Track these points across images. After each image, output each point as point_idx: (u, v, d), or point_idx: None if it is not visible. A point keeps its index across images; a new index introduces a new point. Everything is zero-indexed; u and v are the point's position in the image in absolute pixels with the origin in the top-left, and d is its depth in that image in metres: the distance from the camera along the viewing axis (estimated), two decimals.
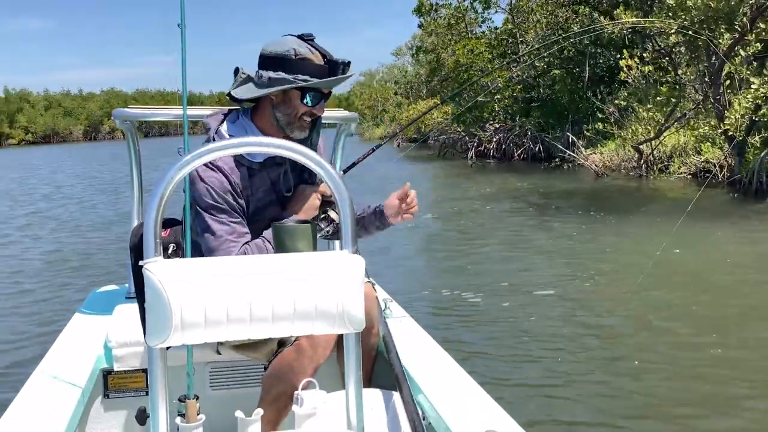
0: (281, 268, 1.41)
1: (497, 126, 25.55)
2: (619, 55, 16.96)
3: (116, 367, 2.45)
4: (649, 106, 14.10)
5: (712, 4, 11.10)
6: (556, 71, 23.68)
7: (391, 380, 2.10)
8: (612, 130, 17.62)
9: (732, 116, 12.98)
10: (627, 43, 18.15)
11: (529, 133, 23.90)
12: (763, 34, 11.62)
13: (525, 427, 1.82)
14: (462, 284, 7.04)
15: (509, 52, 25.68)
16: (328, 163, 1.56)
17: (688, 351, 4.96)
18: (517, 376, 4.64)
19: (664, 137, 15.94)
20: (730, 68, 12.93)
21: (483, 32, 25.42)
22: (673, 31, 11.78)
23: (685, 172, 15.66)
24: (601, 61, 22.14)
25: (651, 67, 15.39)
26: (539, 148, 23.24)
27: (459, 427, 1.82)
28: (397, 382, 1.95)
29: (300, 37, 2.21)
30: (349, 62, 2.22)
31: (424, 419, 1.99)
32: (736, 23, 11.56)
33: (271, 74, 2.18)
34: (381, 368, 2.43)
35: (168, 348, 1.42)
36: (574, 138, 20.56)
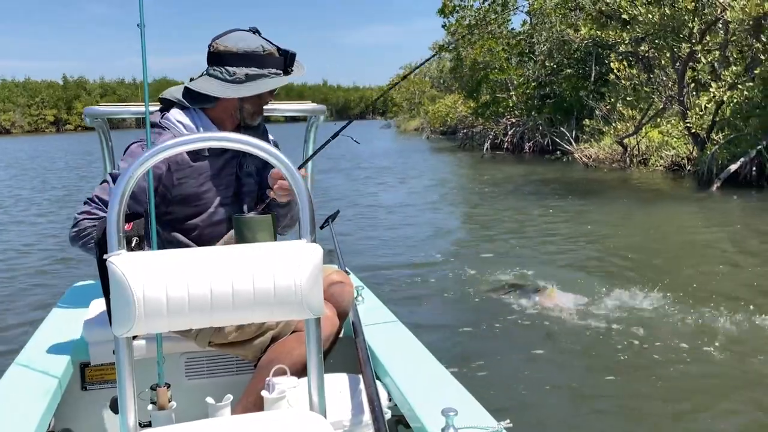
0: (241, 257, 1.47)
1: (513, 120, 27.43)
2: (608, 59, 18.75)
3: (93, 360, 2.45)
4: (619, 105, 15.95)
5: (656, 20, 12.93)
6: (568, 70, 25.48)
7: (359, 364, 2.17)
8: (599, 126, 19.44)
9: (693, 116, 14.83)
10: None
11: (540, 128, 25.73)
12: (709, 45, 13.40)
13: (487, 405, 1.89)
14: (435, 250, 9.15)
15: (526, 51, 27.49)
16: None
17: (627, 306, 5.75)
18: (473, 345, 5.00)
19: (644, 134, 17.75)
20: (691, 74, 14.73)
21: (501, 33, 27.19)
22: (626, 41, 13.66)
23: (661, 165, 17.45)
24: (606, 62, 23.83)
25: (635, 70, 17.22)
26: (547, 141, 25.05)
27: (421, 406, 1.88)
28: (361, 365, 2.00)
29: (252, 31, 2.33)
30: (294, 52, 2.34)
31: (389, 400, 2.10)
32: (683, 35, 13.36)
33: (247, 71, 2.26)
34: (351, 351, 2.44)
35: (135, 338, 1.47)
36: (576, 133, 22.41)
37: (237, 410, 2.17)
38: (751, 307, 5.49)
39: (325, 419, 1.63)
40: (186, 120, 2.30)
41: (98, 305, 2.58)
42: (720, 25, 12.89)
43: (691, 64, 14.90)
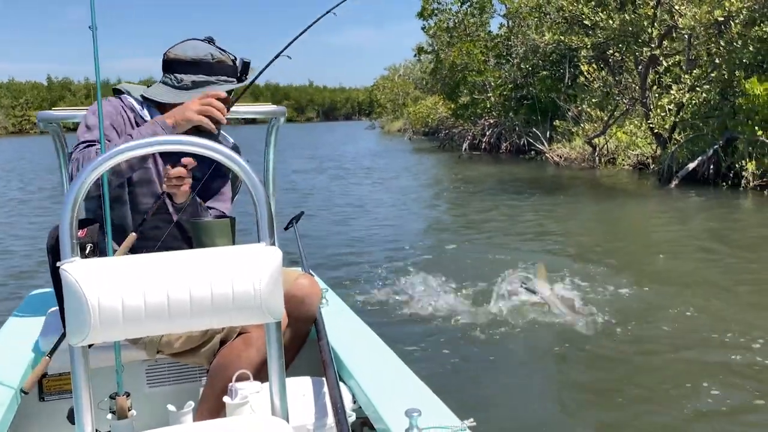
0: (198, 262, 1.46)
1: (491, 121, 28.08)
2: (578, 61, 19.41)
3: (50, 371, 2.40)
4: (585, 106, 16.64)
5: (616, 25, 13.60)
6: (544, 72, 26.13)
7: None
8: (569, 127, 20.13)
9: (655, 117, 15.51)
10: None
11: (516, 128, 26.38)
12: (668, 49, 14.07)
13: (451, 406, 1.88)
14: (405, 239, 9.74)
15: (504, 54, 28.13)
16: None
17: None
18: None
19: (612, 134, 18.43)
20: (654, 76, 15.41)
21: (479, 35, 27.82)
22: (588, 46, 14.32)
23: (628, 165, 18.13)
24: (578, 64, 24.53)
25: (603, 72, 17.91)
26: (523, 141, 25.71)
27: (385, 407, 1.88)
28: (324, 368, 1.98)
29: (206, 40, 2.36)
30: (249, 61, 2.39)
31: (354, 402, 2.08)
32: (642, 40, 14.03)
33: (193, 78, 2.30)
34: (316, 354, 2.43)
35: (90, 346, 1.45)
36: (550, 133, 23.07)
37: (196, 417, 2.19)
38: (693, 293, 6.09)
39: (287, 424, 1.62)
40: (143, 109, 2.35)
41: (55, 314, 2.53)
42: (683, 31, 13.55)
43: (656, 67, 15.58)
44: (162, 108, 2.34)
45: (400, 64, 64.86)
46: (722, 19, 12.17)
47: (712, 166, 14.52)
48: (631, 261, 7.73)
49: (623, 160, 18.28)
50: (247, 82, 2.38)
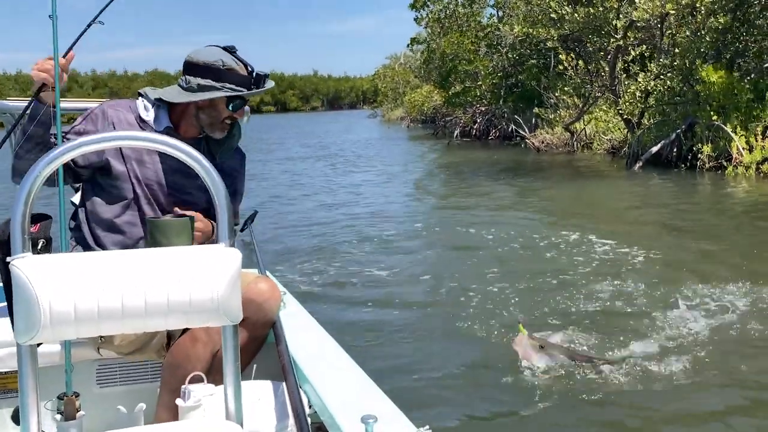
0: (154, 262, 1.43)
1: (482, 109, 29.01)
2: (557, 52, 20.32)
3: None
4: (557, 93, 17.59)
5: (580, 18, 14.54)
6: (532, 61, 27.00)
7: (280, 371, 2.13)
8: (547, 115, 21.09)
9: (623, 104, 16.46)
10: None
11: (505, 116, 27.31)
12: (631, 40, 15.02)
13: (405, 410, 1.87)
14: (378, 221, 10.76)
15: (494, 43, 28.99)
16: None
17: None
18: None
19: (589, 120, 19.37)
20: (621, 65, 16.34)
21: (470, 25, 28.68)
22: (556, 38, 15.28)
23: (603, 149, 19.09)
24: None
25: (582, 62, 18.83)
26: (511, 128, 26.65)
27: (341, 413, 1.85)
28: (284, 372, 1.96)
29: (225, 48, 2.37)
30: (267, 74, 2.39)
31: (309, 407, 2.03)
32: (605, 32, 14.98)
33: (200, 81, 2.32)
34: (272, 359, 2.41)
35: (39, 345, 1.41)
36: (536, 120, 23.97)
37: (155, 417, 2.20)
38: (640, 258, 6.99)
39: (241, 428, 1.60)
40: (150, 108, 2.41)
41: (1, 310, 2.49)
42: (639, 22, 14.49)
43: (624, 56, 16.51)
44: (173, 109, 2.42)
45: (401, 52, 65.57)
46: (674, 12, 13.07)
47: (675, 150, 15.45)
48: (586, 230, 8.52)
49: (599, 145, 19.22)
50: (248, 92, 2.37)
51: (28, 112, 2.16)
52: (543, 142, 21.50)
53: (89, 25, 2.34)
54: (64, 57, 2.16)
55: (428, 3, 28.86)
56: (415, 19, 29.57)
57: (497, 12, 29.20)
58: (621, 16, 14.88)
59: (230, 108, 2.38)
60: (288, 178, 16.53)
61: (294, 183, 15.55)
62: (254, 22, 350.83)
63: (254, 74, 2.38)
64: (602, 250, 7.39)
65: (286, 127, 51.41)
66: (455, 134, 29.28)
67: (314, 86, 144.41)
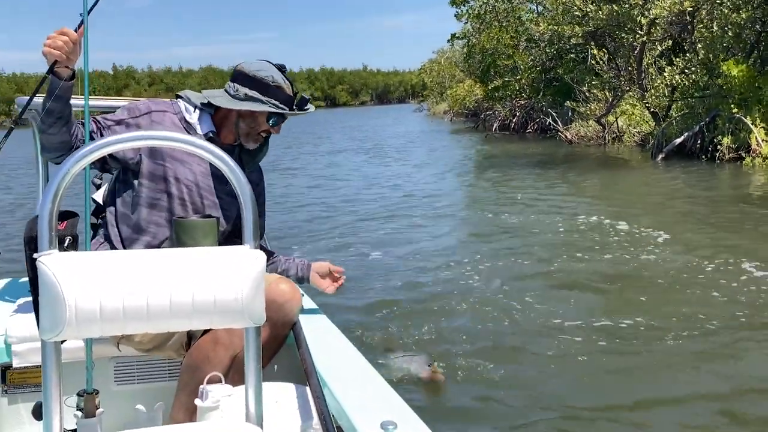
0: (180, 262, 1.44)
1: (522, 103, 29.60)
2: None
3: (15, 363, 2.39)
4: (585, 88, 18.19)
5: (604, 16, 15.15)
6: (571, 55, 27.48)
7: (297, 373, 2.14)
8: (578, 108, 21.68)
9: (650, 97, 17.01)
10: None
11: (543, 109, 27.86)
12: (655, 35, 15.58)
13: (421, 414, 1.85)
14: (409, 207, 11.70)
15: (533, 37, 29.52)
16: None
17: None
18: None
19: (621, 113, 19.92)
20: (647, 60, 16.89)
21: (509, 21, 29.28)
22: (580, 35, 15.91)
23: (633, 141, 19.62)
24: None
25: (609, 56, 19.38)
26: (549, 122, 27.20)
27: (359, 418, 1.84)
28: (306, 374, 1.96)
29: (276, 66, 2.49)
30: (309, 98, 2.54)
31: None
32: (628, 28, 15.55)
33: (247, 91, 2.42)
34: (288, 361, 2.44)
35: (63, 342, 1.43)
36: (569, 114, 24.52)
37: (171, 416, 2.22)
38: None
39: (261, 431, 1.61)
40: (193, 111, 2.48)
41: (22, 305, 2.53)
42: (658, 20, 15.06)
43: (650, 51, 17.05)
44: (218, 113, 2.49)
45: (448, 47, 65.99)
46: (691, 8, 13.61)
47: (699, 142, 15.95)
48: (601, 213, 9.36)
49: (630, 137, 19.75)
50: (289, 112, 2.47)
51: (46, 86, 2.19)
52: (576, 135, 22.08)
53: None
54: (76, 31, 2.13)
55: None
56: (455, 15, 30.29)
57: (536, 7, 29.74)
58: (645, 12, 15.43)
59: (270, 123, 2.47)
60: (326, 171, 17.59)
61: (331, 175, 16.59)
62: (306, 20, 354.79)
63: (298, 96, 2.51)
64: (616, 231, 8.07)
65: (332, 121, 52.74)
66: (494, 127, 29.97)
67: (363, 81, 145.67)
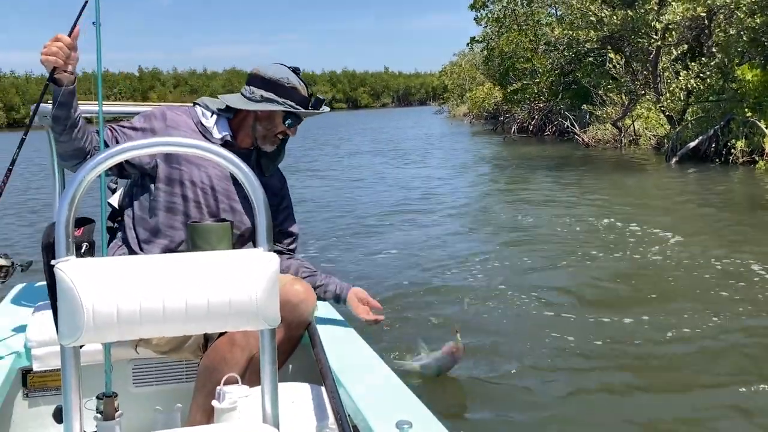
0: (195, 266, 1.47)
1: (540, 105, 29.80)
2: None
3: (35, 367, 2.41)
4: (600, 91, 18.40)
5: (618, 21, 15.36)
6: (590, 58, 27.64)
7: (312, 373, 2.16)
8: (595, 111, 21.87)
9: (665, 101, 17.19)
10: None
11: (561, 112, 28.04)
12: (668, 41, 15.77)
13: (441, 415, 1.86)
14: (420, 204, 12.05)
15: (552, 41, 29.71)
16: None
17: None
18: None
19: (637, 116, 20.09)
20: (663, 64, 17.07)
21: (528, 24, 29.50)
22: (595, 40, 16.13)
23: (650, 144, 19.78)
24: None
25: (625, 60, 19.56)
26: (566, 125, 27.38)
27: (375, 418, 1.86)
28: (322, 375, 1.96)
29: (290, 68, 2.54)
30: (324, 99, 2.56)
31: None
32: (642, 33, 15.75)
33: (264, 93, 2.46)
34: (303, 361, 2.45)
35: (82, 347, 1.46)
36: (587, 117, 24.69)
37: (189, 419, 2.24)
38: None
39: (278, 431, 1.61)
40: (210, 116, 2.52)
41: (42, 309, 2.54)
42: (670, 25, 15.26)
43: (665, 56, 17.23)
44: (235, 117, 2.54)
45: (468, 49, 66.15)
46: (704, 14, 13.80)
47: (713, 145, 16.08)
48: (611, 214, 9.63)
49: (646, 140, 19.92)
50: (305, 111, 2.52)
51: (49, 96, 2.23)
52: (593, 138, 22.27)
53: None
54: (69, 35, 2.18)
55: (487, 3, 29.83)
56: (474, 19, 30.58)
57: (555, 11, 29.91)
58: (660, 18, 15.63)
59: (286, 124, 2.52)
60: (346, 172, 17.96)
61: (350, 176, 16.96)
62: (328, 22, 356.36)
63: (313, 96, 2.56)
64: (627, 231, 8.29)
65: (354, 123, 53.23)
66: (512, 130, 30.21)
67: (385, 83, 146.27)
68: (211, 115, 2.53)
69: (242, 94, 2.54)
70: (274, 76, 2.50)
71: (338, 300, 2.69)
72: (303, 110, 2.51)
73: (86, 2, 2.25)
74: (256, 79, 2.52)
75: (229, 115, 2.54)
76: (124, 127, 2.44)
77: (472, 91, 54.50)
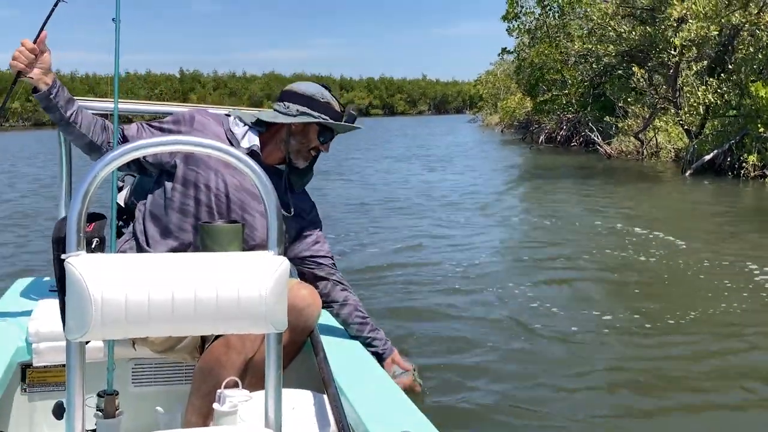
0: (205, 266, 1.46)
1: (569, 116, 30.30)
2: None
3: (36, 362, 2.40)
4: (621, 103, 18.95)
5: (636, 36, 15.95)
6: (619, 71, 28.09)
7: (312, 380, 2.16)
8: (616, 123, 22.39)
9: (683, 114, 17.70)
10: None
11: (589, 123, 28.52)
12: (687, 57, 16.31)
13: (440, 428, 1.84)
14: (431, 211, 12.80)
15: (583, 54, 30.20)
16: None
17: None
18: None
19: (658, 129, 20.60)
20: (682, 79, 17.60)
21: (559, 37, 30.01)
22: (613, 54, 16.72)
23: (670, 157, 20.28)
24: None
25: (645, 74, 20.08)
26: (592, 136, 27.86)
27: (376, 426, 1.84)
28: (324, 382, 1.96)
29: (322, 85, 2.63)
30: (356, 115, 2.63)
31: None
32: (660, 48, 16.30)
33: (299, 107, 2.52)
34: (304, 367, 2.43)
35: (87, 343, 1.45)
36: (613, 129, 25.17)
37: (184, 421, 2.23)
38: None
39: None
40: (241, 126, 2.55)
41: (44, 304, 2.53)
42: (684, 42, 15.81)
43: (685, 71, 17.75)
44: (267, 131, 2.57)
45: (501, 59, 66.50)
46: (716, 33, 14.34)
47: (728, 159, 16.55)
48: (621, 220, 10.28)
49: (667, 153, 20.41)
50: (340, 124, 2.57)
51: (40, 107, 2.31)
52: (616, 150, 22.80)
53: (56, 4, 2.36)
54: (35, 41, 2.24)
55: (519, 15, 30.46)
56: (507, 30, 31.21)
57: (587, 24, 30.37)
58: (678, 34, 16.17)
59: (320, 140, 2.57)
60: (379, 176, 18.77)
61: (381, 181, 17.77)
62: (366, 28, 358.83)
63: (346, 111, 2.62)
64: (632, 238, 8.60)
65: (391, 129, 54.05)
66: (540, 140, 30.78)
67: (422, 90, 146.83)
68: (243, 125, 2.58)
69: (275, 110, 2.59)
70: (309, 91, 2.58)
71: (378, 358, 2.69)
72: (338, 123, 2.59)
73: (56, 4, 2.35)
74: (290, 95, 2.59)
75: (261, 129, 2.58)
76: (152, 125, 2.51)
77: (504, 100, 55.08)
